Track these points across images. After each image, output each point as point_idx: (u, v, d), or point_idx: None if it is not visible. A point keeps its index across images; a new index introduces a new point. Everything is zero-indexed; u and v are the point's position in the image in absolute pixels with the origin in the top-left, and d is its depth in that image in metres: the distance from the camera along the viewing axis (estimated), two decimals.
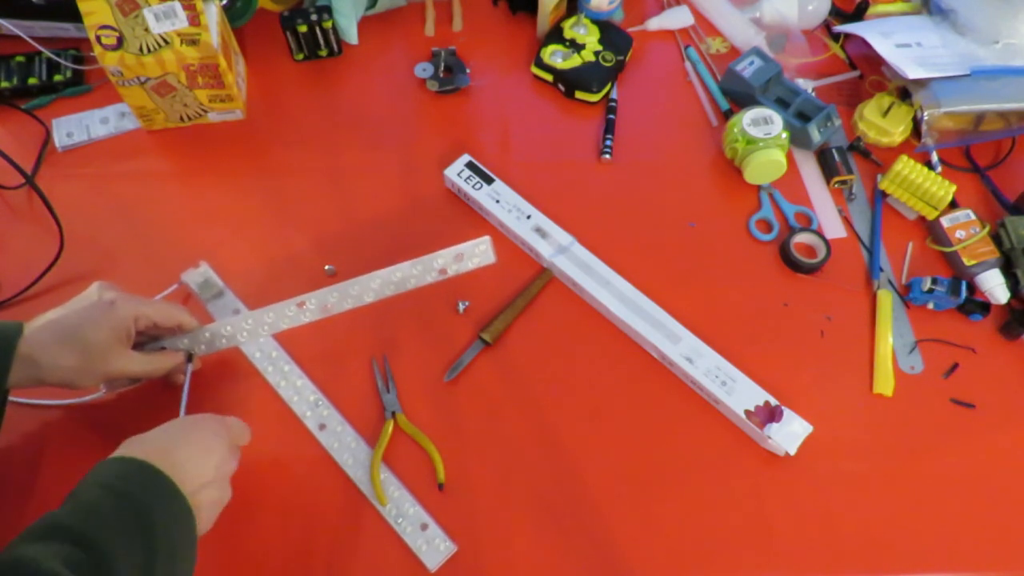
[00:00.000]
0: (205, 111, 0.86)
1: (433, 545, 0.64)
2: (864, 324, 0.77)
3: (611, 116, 0.89)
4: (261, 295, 0.75)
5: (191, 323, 0.69)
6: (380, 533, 0.65)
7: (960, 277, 0.78)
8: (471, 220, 0.82)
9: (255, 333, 0.72)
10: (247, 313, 0.72)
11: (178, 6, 0.75)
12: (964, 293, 0.76)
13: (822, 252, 0.80)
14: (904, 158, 0.82)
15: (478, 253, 0.74)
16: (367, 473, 0.67)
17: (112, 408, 0.70)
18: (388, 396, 0.71)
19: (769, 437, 0.68)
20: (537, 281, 0.78)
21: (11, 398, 0.64)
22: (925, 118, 0.85)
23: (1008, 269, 0.79)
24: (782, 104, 0.89)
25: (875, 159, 0.88)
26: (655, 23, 0.98)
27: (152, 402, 0.70)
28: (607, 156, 0.86)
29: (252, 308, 0.74)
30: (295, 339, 0.74)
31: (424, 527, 0.65)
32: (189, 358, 0.68)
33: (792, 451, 0.68)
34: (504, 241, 0.81)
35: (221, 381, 0.72)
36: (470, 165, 0.83)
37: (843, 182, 0.86)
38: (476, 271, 0.77)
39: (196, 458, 0.55)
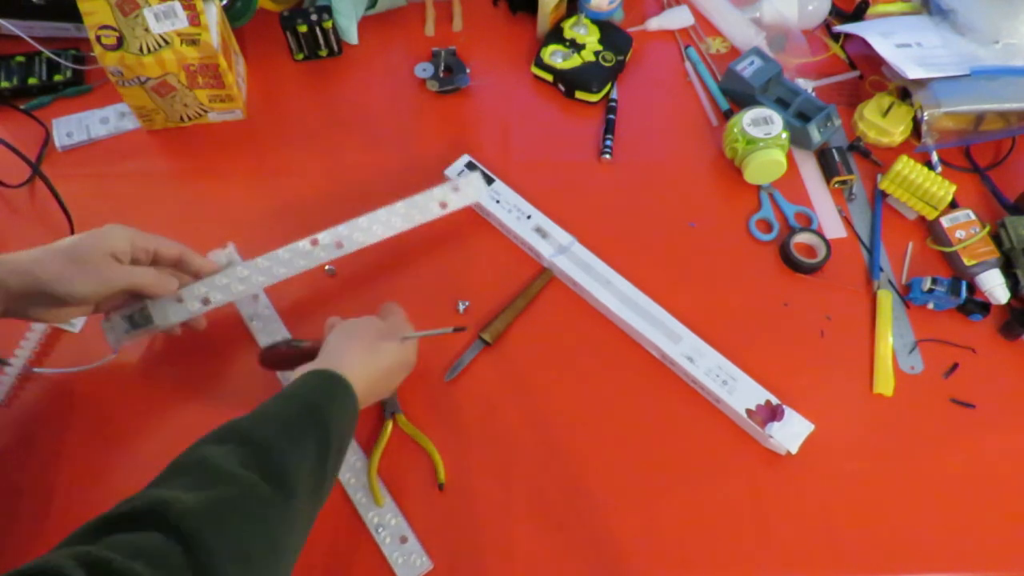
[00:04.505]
0: (205, 111, 0.86)
1: (409, 560, 0.63)
2: (864, 324, 0.77)
3: (611, 116, 0.89)
4: (265, 289, 0.76)
5: (195, 260, 0.68)
6: (362, 542, 0.64)
7: (960, 277, 0.78)
8: (471, 220, 0.82)
9: (271, 273, 0.70)
10: (262, 256, 0.71)
11: (178, 6, 0.75)
12: (964, 293, 0.76)
13: (822, 252, 0.80)
14: (904, 158, 0.82)
15: (471, 184, 0.75)
16: (356, 476, 0.67)
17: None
18: (388, 396, 0.71)
19: (770, 436, 0.68)
20: (537, 281, 0.78)
21: (35, 369, 0.70)
22: (925, 118, 0.85)
23: (1008, 269, 0.79)
24: (782, 104, 0.89)
25: (875, 159, 0.88)
26: (655, 23, 0.98)
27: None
28: (607, 156, 0.86)
29: (267, 297, 0.76)
30: (300, 334, 0.74)
31: (404, 540, 0.64)
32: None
33: (794, 450, 0.68)
34: (504, 241, 0.81)
35: (229, 365, 0.73)
36: (470, 165, 0.83)
37: (843, 182, 0.86)
38: (476, 272, 0.77)
39: (364, 358, 0.62)
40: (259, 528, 0.47)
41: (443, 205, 0.76)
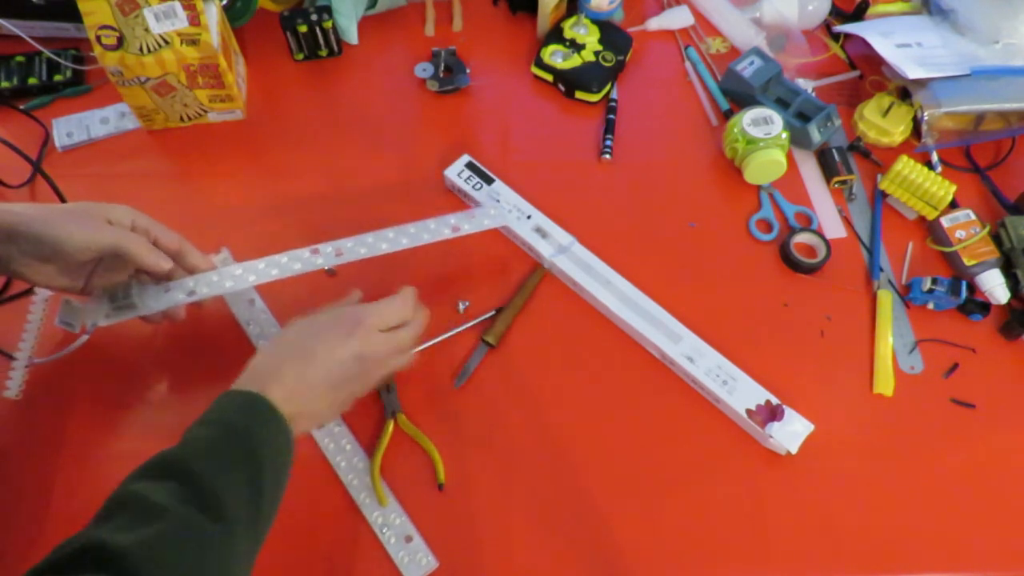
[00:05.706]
0: (205, 111, 0.86)
1: (415, 559, 0.63)
2: (864, 324, 0.77)
3: (611, 116, 0.89)
4: (262, 294, 0.76)
5: (193, 254, 0.67)
6: (367, 542, 0.64)
7: (960, 277, 0.78)
8: None
9: (266, 274, 0.68)
10: (261, 259, 0.69)
11: (178, 6, 0.75)
12: (964, 293, 0.76)
13: (822, 252, 0.80)
14: (904, 158, 0.82)
15: (490, 214, 0.75)
16: (358, 476, 0.67)
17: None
18: (388, 396, 0.71)
19: (771, 436, 0.68)
20: (532, 277, 0.78)
21: (35, 359, 0.71)
22: (925, 118, 0.85)
23: (1008, 269, 0.79)
24: (782, 104, 0.89)
25: (875, 159, 0.88)
26: (655, 23, 0.98)
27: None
28: (607, 156, 0.86)
29: (263, 300, 0.75)
30: None
31: (408, 539, 0.64)
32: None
33: (794, 450, 0.68)
34: (504, 241, 0.81)
35: (227, 368, 0.72)
36: (470, 165, 0.83)
37: (843, 182, 0.86)
38: (476, 272, 0.77)
39: (307, 373, 0.58)
40: (197, 561, 0.46)
41: (456, 229, 0.75)
